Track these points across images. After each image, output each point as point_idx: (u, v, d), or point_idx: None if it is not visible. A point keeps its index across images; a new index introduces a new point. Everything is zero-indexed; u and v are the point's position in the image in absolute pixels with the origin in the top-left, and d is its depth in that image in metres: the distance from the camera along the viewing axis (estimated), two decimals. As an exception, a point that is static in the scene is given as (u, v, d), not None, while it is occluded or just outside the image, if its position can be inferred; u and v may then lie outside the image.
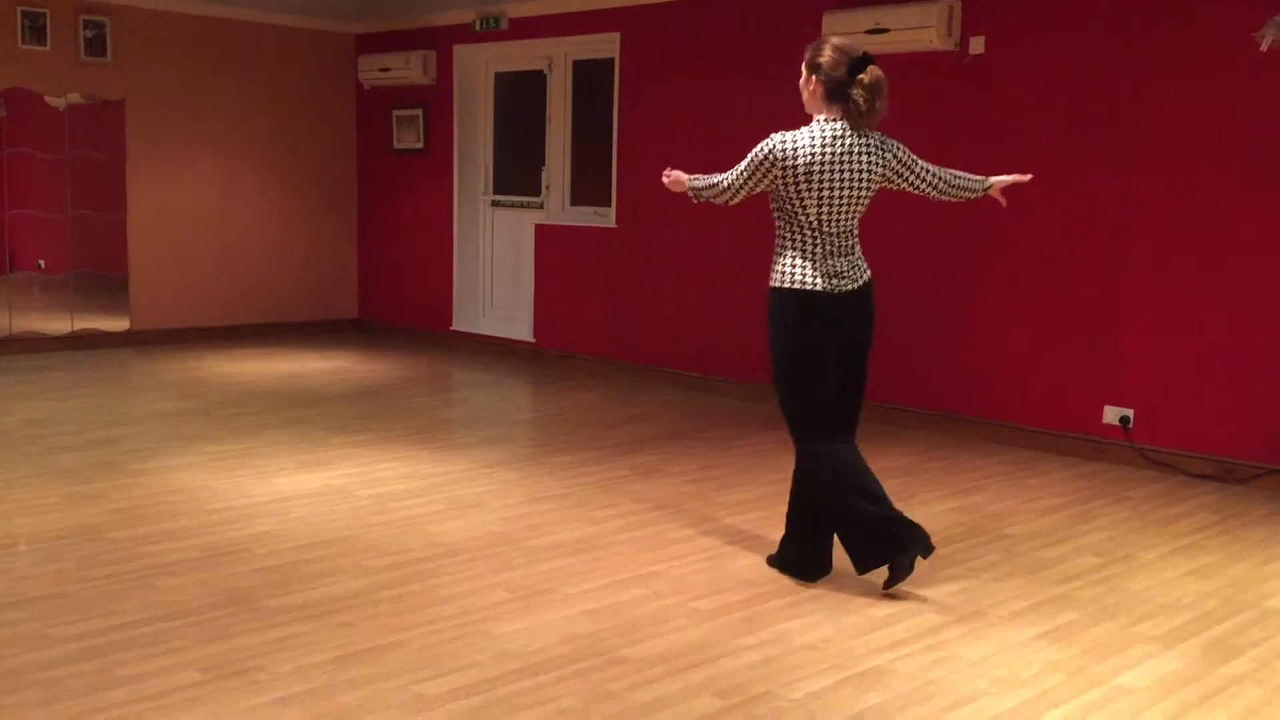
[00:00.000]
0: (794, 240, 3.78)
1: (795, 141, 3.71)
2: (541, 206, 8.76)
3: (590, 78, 8.39)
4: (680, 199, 7.45)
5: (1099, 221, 5.79)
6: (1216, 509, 4.99)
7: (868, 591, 3.79)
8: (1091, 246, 5.84)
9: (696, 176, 4.07)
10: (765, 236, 7.05)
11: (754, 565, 4.07)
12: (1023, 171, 4.29)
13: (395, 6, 8.86)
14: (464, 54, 9.03)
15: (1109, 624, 3.59)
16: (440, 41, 9.09)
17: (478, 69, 9.11)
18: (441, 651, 3.24)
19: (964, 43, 6.19)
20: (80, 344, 8.61)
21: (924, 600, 3.73)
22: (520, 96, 8.98)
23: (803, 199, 3.72)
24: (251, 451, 5.54)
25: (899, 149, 3.84)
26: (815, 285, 3.74)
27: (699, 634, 3.43)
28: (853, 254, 3.82)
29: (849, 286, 3.78)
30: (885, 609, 3.66)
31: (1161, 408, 5.67)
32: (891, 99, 3.80)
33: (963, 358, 6.29)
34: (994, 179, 4.09)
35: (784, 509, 4.68)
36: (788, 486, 5.06)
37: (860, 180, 3.73)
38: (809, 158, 3.68)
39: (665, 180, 4.15)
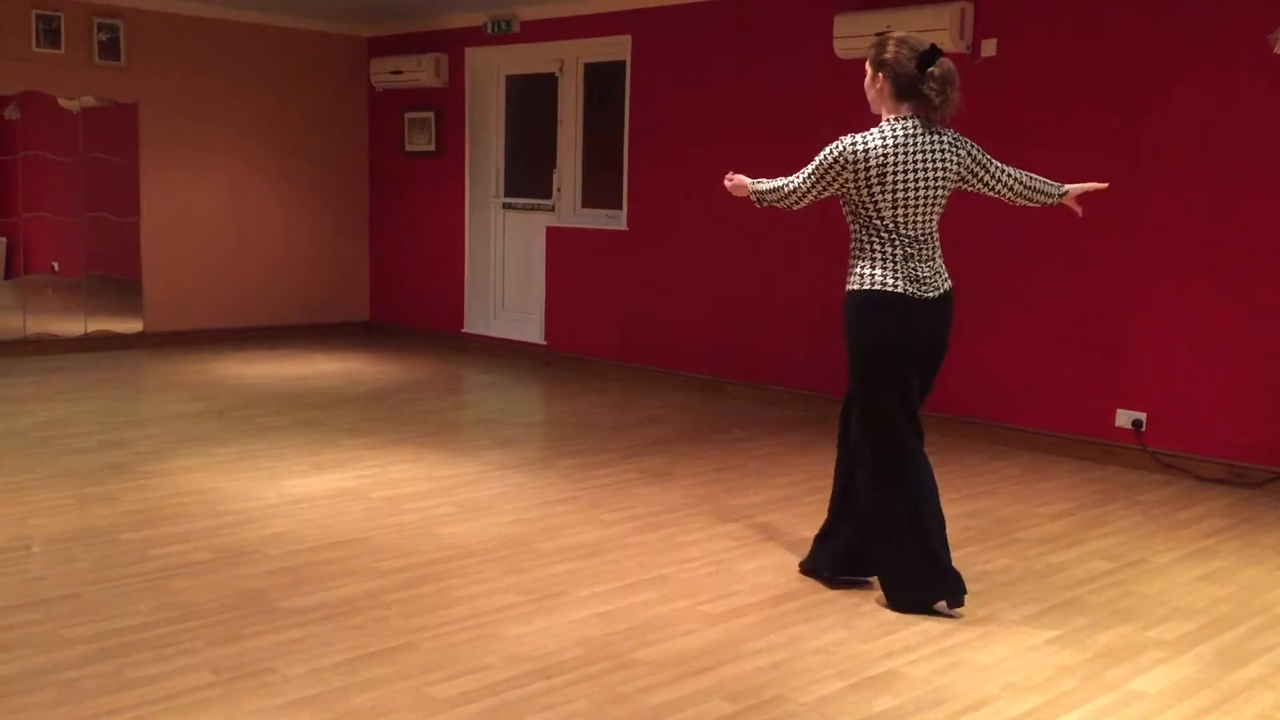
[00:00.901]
0: (871, 244, 3.65)
1: (866, 142, 3.60)
2: (553, 209, 8.77)
3: (601, 80, 8.40)
4: (687, 201, 7.52)
5: (1111, 224, 5.78)
6: (1229, 513, 4.97)
7: (879, 595, 3.78)
8: (1104, 249, 5.82)
9: (760, 181, 3.93)
10: (776, 237, 7.11)
11: (765, 568, 4.07)
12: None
13: (407, 9, 8.88)
14: (476, 56, 9.05)
15: (1121, 629, 3.59)
16: (452, 44, 9.11)
17: (489, 71, 9.13)
18: (453, 654, 3.25)
19: (976, 45, 6.18)
20: (93, 346, 8.65)
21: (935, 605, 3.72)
22: (532, 99, 8.99)
23: (876, 201, 3.60)
24: (263, 453, 5.56)
25: (973, 147, 3.73)
26: (897, 288, 3.61)
27: (710, 637, 3.43)
28: (934, 260, 3.69)
29: (931, 294, 3.65)
30: (896, 613, 3.65)
31: (1174, 411, 5.66)
32: None
33: (974, 360, 6.27)
34: (1069, 186, 3.92)
35: (795, 512, 4.69)
36: (799, 490, 5.11)
37: (935, 179, 3.62)
38: (881, 157, 3.57)
39: (727, 184, 4.03)
